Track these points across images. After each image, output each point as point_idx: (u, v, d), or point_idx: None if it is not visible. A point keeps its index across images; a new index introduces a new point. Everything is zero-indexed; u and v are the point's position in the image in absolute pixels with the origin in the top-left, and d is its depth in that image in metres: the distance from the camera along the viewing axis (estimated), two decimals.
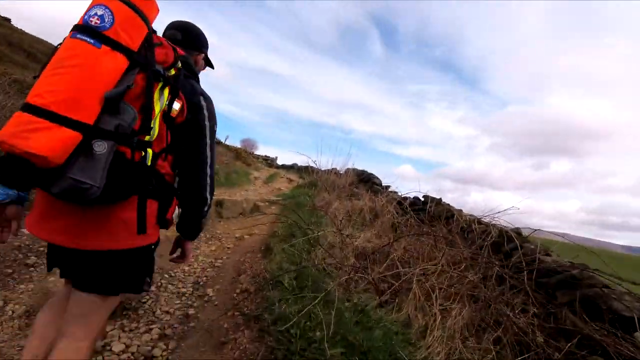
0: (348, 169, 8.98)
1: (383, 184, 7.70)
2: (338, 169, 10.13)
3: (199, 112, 1.15)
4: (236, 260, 3.79)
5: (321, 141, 16.37)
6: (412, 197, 6.10)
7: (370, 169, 10.14)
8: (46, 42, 17.88)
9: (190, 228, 1.28)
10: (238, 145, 22.64)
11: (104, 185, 0.86)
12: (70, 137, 0.82)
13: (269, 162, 22.18)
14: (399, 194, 6.52)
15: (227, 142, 18.03)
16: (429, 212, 5.01)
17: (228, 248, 4.26)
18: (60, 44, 0.93)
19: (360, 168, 9.19)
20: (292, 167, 19.16)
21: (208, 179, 1.20)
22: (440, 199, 5.07)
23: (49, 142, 0.79)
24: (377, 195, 6.80)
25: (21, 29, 19.08)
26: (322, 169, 10.40)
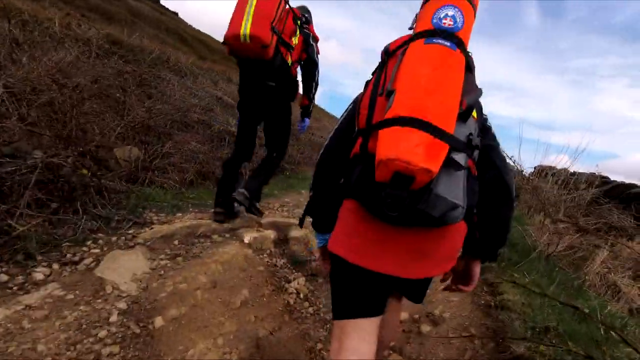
0: (573, 172, 5.19)
1: None
2: (524, 167, 6.27)
3: None
4: None
5: None
6: None
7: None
8: (194, 28, 22.84)
9: (494, 243, 1.04)
10: None
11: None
12: (443, 149, 0.77)
13: None
14: None
15: None
16: None
17: None
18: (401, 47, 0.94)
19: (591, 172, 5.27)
20: None
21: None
22: None
23: (431, 155, 0.75)
24: None
25: (180, 18, 22.26)
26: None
